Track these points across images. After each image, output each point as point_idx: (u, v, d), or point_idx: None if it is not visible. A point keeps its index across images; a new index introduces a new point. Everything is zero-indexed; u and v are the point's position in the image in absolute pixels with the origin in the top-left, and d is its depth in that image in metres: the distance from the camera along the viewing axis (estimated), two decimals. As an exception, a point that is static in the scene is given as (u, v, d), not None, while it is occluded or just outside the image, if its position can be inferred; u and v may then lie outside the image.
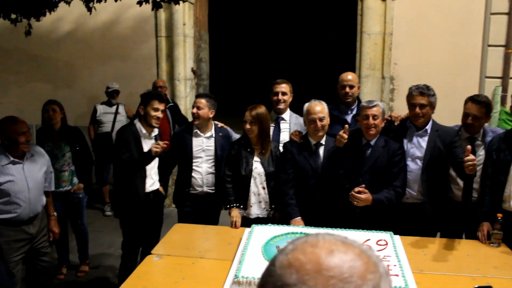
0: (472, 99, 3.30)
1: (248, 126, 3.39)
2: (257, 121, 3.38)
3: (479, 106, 3.25)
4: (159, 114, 3.55)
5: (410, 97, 3.29)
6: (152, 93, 3.76)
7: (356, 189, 3.14)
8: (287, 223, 3.27)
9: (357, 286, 0.63)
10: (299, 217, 3.31)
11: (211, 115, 3.68)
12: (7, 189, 3.05)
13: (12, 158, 3.09)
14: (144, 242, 3.66)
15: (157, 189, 3.75)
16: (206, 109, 3.63)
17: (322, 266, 0.64)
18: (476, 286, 2.06)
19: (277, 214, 3.47)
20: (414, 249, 2.97)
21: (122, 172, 3.60)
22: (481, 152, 3.31)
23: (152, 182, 3.67)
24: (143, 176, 3.58)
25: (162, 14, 6.12)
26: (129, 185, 3.55)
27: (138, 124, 3.58)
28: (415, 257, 2.83)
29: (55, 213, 3.56)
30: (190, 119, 4.66)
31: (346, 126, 3.26)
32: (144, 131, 3.57)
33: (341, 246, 0.68)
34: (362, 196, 3.12)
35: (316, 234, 0.71)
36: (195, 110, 3.63)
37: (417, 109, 3.22)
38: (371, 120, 3.20)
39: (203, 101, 3.63)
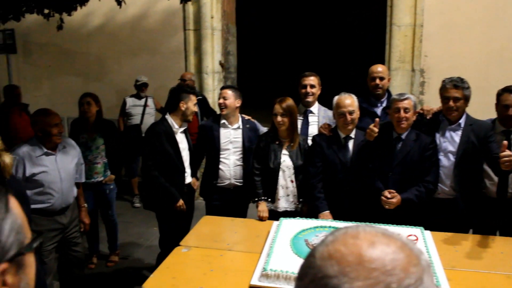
0: (508, 90, 3.20)
1: (279, 118, 3.37)
2: (288, 113, 3.37)
3: None
4: (196, 108, 3.62)
5: (443, 90, 3.20)
6: (189, 87, 3.76)
7: (386, 193, 3.11)
8: (315, 216, 3.25)
9: (399, 279, 0.62)
10: (328, 211, 3.29)
11: (237, 105, 3.69)
12: (41, 179, 3.12)
13: (45, 150, 3.15)
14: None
15: (189, 183, 3.78)
16: (232, 98, 3.64)
17: (364, 258, 0.63)
18: None
19: (305, 208, 3.45)
20: (446, 245, 2.90)
21: (160, 168, 3.60)
22: None
23: (185, 175, 3.71)
24: (181, 171, 3.63)
25: (190, 7, 6.14)
26: (168, 180, 3.57)
27: (170, 119, 3.59)
28: (447, 253, 2.77)
29: (85, 204, 3.63)
30: (218, 111, 4.67)
31: (377, 119, 3.21)
32: (176, 126, 3.59)
33: (382, 238, 0.67)
34: (394, 200, 3.10)
35: (356, 225, 0.70)
36: (221, 101, 3.66)
37: (451, 103, 3.14)
38: (402, 113, 3.14)
39: (228, 92, 3.66)
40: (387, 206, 3.12)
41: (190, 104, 3.55)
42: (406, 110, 3.14)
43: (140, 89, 5.88)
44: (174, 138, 3.56)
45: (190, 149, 3.68)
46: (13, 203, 0.75)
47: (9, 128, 5.22)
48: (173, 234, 3.62)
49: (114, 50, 6.77)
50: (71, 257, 3.45)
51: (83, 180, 3.59)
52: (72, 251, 3.43)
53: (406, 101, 3.15)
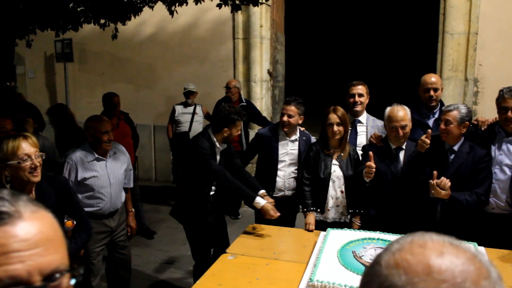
0: None
1: (335, 128, 3.33)
2: (344, 122, 3.34)
3: None
4: (239, 131, 3.54)
5: (501, 100, 3.08)
6: (236, 113, 3.45)
7: (440, 181, 2.94)
8: (367, 228, 3.18)
9: None
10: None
11: (300, 121, 3.65)
12: (91, 184, 3.23)
13: (96, 155, 3.27)
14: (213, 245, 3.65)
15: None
16: (296, 116, 3.58)
17: (432, 268, 0.61)
18: None
19: (357, 220, 3.39)
20: (502, 263, 2.77)
21: (195, 178, 3.55)
22: None
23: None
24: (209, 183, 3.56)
25: (240, 16, 6.23)
26: (198, 192, 3.54)
27: (213, 137, 3.45)
28: (503, 271, 2.60)
29: (133, 209, 3.71)
30: (269, 118, 4.63)
31: (429, 131, 3.13)
32: (218, 145, 3.47)
33: (451, 248, 0.64)
34: (443, 192, 2.94)
35: (422, 234, 0.68)
36: (286, 118, 3.56)
37: (509, 113, 3.02)
38: (442, 125, 3.07)
39: (293, 109, 3.56)
40: (432, 191, 2.94)
41: (234, 131, 3.43)
42: (447, 122, 3.05)
43: (187, 97, 5.99)
44: (215, 155, 3.47)
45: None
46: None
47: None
48: (208, 244, 3.60)
49: (164, 58, 6.96)
50: (118, 259, 3.54)
51: (132, 185, 3.65)
52: (119, 253, 3.53)
53: (449, 113, 3.06)
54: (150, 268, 4.47)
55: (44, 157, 2.44)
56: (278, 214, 3.25)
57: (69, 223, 2.69)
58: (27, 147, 2.36)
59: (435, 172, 2.94)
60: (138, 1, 4.73)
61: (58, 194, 2.61)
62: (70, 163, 3.18)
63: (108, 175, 3.30)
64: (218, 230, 3.63)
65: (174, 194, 6.28)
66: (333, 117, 3.33)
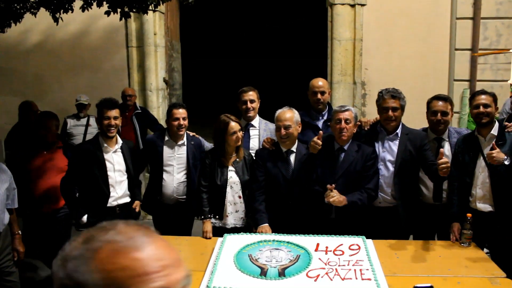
0: (436, 97, 3.40)
1: (240, 134, 3.38)
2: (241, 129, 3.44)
3: (445, 102, 3.36)
4: (112, 121, 3.44)
5: (381, 101, 3.31)
6: (102, 101, 3.52)
7: (329, 187, 3.08)
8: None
9: None
10: (266, 224, 3.29)
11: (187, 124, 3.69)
12: None
13: None
14: None
15: (127, 203, 3.63)
16: (187, 119, 3.64)
17: None
18: (416, 285, 2.10)
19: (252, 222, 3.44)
20: (388, 252, 2.98)
21: (88, 185, 3.51)
22: (448, 153, 3.36)
23: (116, 196, 3.54)
24: (104, 191, 3.50)
25: (133, 24, 6.07)
26: (94, 198, 3.49)
27: (100, 139, 3.51)
28: (388, 260, 2.84)
29: (19, 232, 3.40)
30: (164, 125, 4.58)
31: (320, 132, 3.27)
32: (105, 144, 3.49)
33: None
34: (339, 198, 3.06)
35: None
36: (182, 122, 3.60)
37: (390, 112, 3.25)
38: (343, 124, 3.22)
39: (185, 112, 3.63)
40: (331, 200, 3.04)
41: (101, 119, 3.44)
42: (347, 121, 3.22)
43: (79, 110, 5.71)
44: (98, 158, 3.45)
45: (128, 170, 3.59)
46: None
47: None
48: None
49: (54, 68, 6.55)
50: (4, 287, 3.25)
51: (16, 205, 3.36)
52: (4, 281, 3.22)
53: (347, 113, 3.24)
54: None
55: None
56: None
57: None
58: None
59: (330, 186, 3.08)
60: (18, 7, 4.40)
61: None
62: None
63: None
64: None
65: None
66: (235, 126, 3.37)
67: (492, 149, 2.96)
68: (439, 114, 3.34)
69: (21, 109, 5.33)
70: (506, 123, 3.34)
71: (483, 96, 3.19)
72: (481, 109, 3.14)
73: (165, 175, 3.65)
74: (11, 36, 5.52)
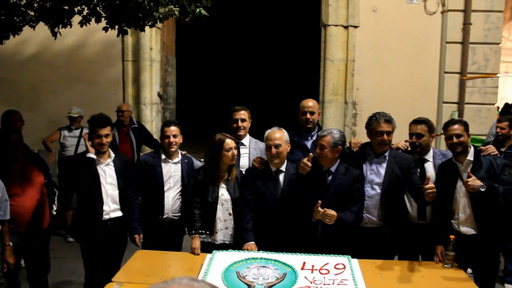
0: (413, 121, 3.56)
1: (235, 152, 3.43)
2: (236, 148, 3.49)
3: (419, 124, 3.48)
4: (103, 140, 3.50)
5: (375, 125, 3.37)
6: (94, 118, 3.60)
7: (318, 204, 3.14)
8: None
9: None
10: (253, 242, 3.33)
11: (181, 141, 3.74)
12: None
13: None
14: (105, 269, 3.59)
15: (119, 217, 3.66)
16: (180, 136, 3.69)
17: None
18: None
19: None
20: (372, 272, 3.04)
21: (82, 197, 3.58)
22: (432, 173, 3.45)
23: (109, 209, 3.59)
24: (99, 202, 3.55)
25: (129, 38, 6.16)
26: (89, 210, 3.55)
27: (90, 154, 3.55)
28: (373, 280, 2.90)
29: (10, 243, 3.40)
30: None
31: (311, 154, 3.32)
32: (95, 157, 3.55)
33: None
34: (332, 212, 3.12)
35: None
36: (172, 139, 3.64)
37: (385, 136, 3.33)
38: (317, 150, 3.32)
39: (177, 129, 3.67)
40: (327, 220, 3.11)
41: (94, 137, 3.51)
42: (322, 147, 3.30)
43: (71, 123, 5.76)
44: (91, 169, 3.52)
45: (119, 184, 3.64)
46: None
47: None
48: (98, 265, 3.58)
49: (49, 79, 6.62)
50: None
51: (8, 217, 3.36)
52: None
53: (323, 139, 3.31)
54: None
55: None
56: None
57: None
58: None
59: (319, 202, 3.14)
60: (17, 20, 4.47)
61: None
62: None
63: None
64: (109, 251, 3.63)
65: (62, 221, 5.96)
66: (230, 143, 3.42)
67: (468, 176, 3.05)
68: (414, 137, 3.48)
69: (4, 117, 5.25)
70: (482, 147, 3.43)
71: (455, 126, 3.27)
72: (454, 139, 3.24)
73: (165, 193, 3.69)
74: (8, 46, 5.56)
